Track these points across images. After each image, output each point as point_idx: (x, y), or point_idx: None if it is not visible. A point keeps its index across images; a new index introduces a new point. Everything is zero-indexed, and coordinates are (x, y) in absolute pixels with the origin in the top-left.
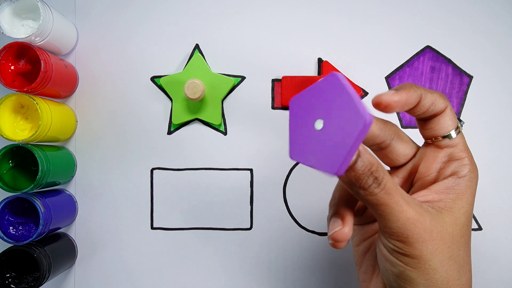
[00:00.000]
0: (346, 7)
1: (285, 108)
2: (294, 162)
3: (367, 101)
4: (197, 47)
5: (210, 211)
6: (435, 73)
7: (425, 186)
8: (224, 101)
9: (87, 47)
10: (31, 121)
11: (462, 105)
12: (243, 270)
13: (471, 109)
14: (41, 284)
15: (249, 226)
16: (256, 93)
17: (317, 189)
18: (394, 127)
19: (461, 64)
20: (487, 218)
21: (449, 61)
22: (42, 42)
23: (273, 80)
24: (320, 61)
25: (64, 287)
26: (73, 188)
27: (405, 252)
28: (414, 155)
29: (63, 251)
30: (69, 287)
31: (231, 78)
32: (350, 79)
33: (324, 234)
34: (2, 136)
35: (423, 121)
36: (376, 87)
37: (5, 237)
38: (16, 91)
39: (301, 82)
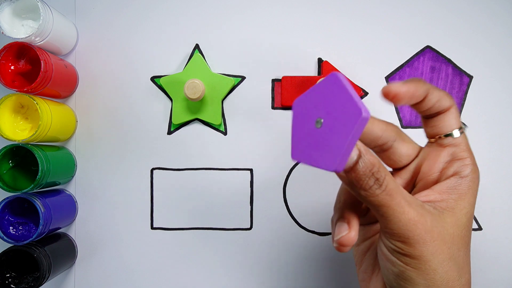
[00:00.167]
0: (346, 7)
1: (285, 108)
2: (294, 162)
3: (368, 102)
4: (197, 47)
5: (210, 211)
6: (435, 73)
7: (428, 186)
8: (224, 101)
9: (87, 47)
10: (31, 121)
11: (462, 105)
12: (243, 270)
13: (471, 109)
14: (41, 284)
15: (249, 226)
16: (256, 93)
17: (317, 189)
18: (396, 128)
19: (461, 64)
20: (487, 218)
21: (449, 61)
22: (42, 42)
23: (273, 80)
24: (320, 61)
25: (64, 287)
26: (73, 188)
27: (406, 253)
28: (416, 156)
29: (63, 251)
30: (69, 287)
31: (231, 78)
32: (350, 79)
33: (324, 234)
34: (2, 136)
35: (428, 118)
36: (376, 87)
37: (5, 237)
38: (16, 91)
39: (301, 82)
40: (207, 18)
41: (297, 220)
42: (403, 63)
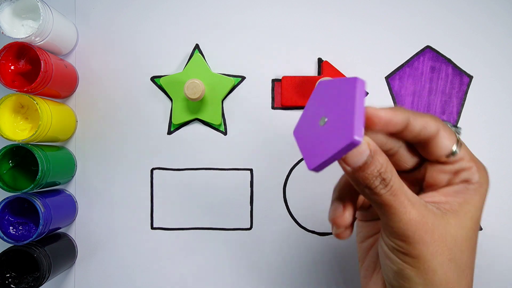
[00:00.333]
0: (346, 7)
1: (285, 108)
2: (294, 162)
3: (368, 102)
4: (197, 47)
5: (210, 211)
6: (435, 73)
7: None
8: (224, 101)
9: (87, 47)
10: (31, 121)
11: (462, 105)
12: (243, 270)
13: (471, 109)
14: (41, 284)
15: (249, 226)
16: (256, 93)
17: (317, 189)
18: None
19: (461, 64)
20: (487, 218)
21: (449, 61)
22: (42, 42)
23: (273, 80)
24: (320, 61)
25: (64, 287)
26: (73, 188)
27: (405, 251)
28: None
29: (63, 251)
30: (69, 287)
31: (231, 78)
32: None
33: (324, 234)
34: (2, 136)
35: (422, 146)
36: (376, 87)
37: (5, 237)
38: (16, 91)
39: (301, 82)
40: (207, 18)
41: (297, 220)
42: (403, 63)
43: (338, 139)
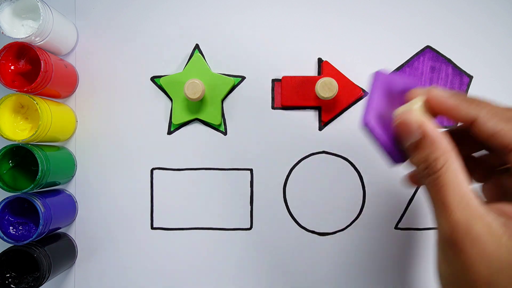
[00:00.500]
0: (346, 7)
1: (285, 108)
2: (294, 162)
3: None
4: (197, 47)
5: (210, 211)
6: (435, 73)
7: None
8: (224, 101)
9: (87, 47)
10: (31, 121)
11: None
12: (243, 270)
13: None
14: (41, 284)
15: (249, 226)
16: (256, 93)
17: (317, 189)
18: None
19: (461, 64)
20: None
21: (449, 61)
22: (42, 42)
23: (273, 80)
24: (320, 61)
25: (64, 287)
26: (73, 188)
27: (443, 246)
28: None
29: (63, 251)
30: (69, 287)
31: (231, 78)
32: (350, 79)
33: (324, 234)
34: (2, 136)
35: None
36: None
37: (5, 237)
38: (16, 91)
39: (301, 82)
40: (207, 18)
41: (297, 220)
42: (403, 63)
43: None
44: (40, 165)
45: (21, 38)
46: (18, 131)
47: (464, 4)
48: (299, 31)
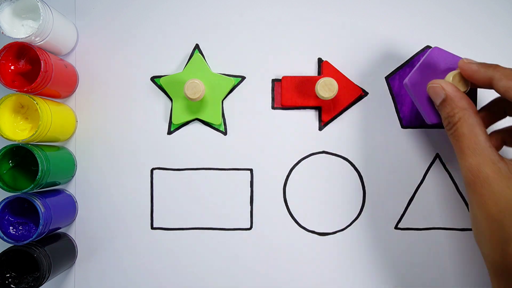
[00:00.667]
0: (346, 7)
1: (285, 108)
2: (294, 162)
3: (368, 102)
4: (197, 47)
5: (210, 211)
6: None
7: None
8: (224, 101)
9: (87, 47)
10: (31, 121)
11: None
12: (243, 270)
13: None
14: (41, 284)
15: (249, 226)
16: (256, 93)
17: (317, 189)
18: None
19: None
20: None
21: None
22: (42, 42)
23: (273, 80)
24: (320, 61)
25: (64, 287)
26: (73, 188)
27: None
28: None
29: (63, 251)
30: (69, 287)
31: (231, 78)
32: (350, 79)
33: (324, 234)
34: (2, 136)
35: None
36: (376, 87)
37: (5, 237)
38: (16, 91)
39: (301, 82)
40: (207, 18)
41: (297, 220)
42: (403, 63)
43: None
44: (40, 165)
45: (21, 38)
46: (18, 131)
47: (464, 4)
48: (299, 31)
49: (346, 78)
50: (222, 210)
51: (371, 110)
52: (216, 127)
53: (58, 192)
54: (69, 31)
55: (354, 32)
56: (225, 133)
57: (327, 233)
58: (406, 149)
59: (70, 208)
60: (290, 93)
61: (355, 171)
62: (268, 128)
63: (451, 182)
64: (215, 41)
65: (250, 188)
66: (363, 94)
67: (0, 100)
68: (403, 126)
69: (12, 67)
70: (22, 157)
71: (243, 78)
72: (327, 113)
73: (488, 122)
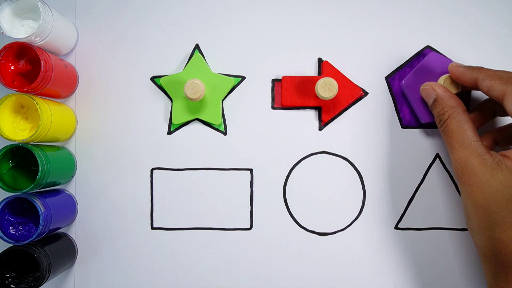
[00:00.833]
0: (346, 7)
1: (285, 108)
2: (294, 162)
3: (368, 101)
4: (197, 47)
5: (210, 211)
6: None
7: None
8: (224, 101)
9: (87, 47)
10: (31, 121)
11: None
12: (243, 270)
13: (471, 108)
14: (41, 284)
15: (249, 226)
16: (256, 93)
17: (317, 189)
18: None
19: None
20: None
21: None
22: (42, 42)
23: (273, 80)
24: (320, 61)
25: (64, 287)
26: (73, 188)
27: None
28: None
29: (63, 251)
30: (69, 287)
31: (231, 78)
32: (350, 79)
33: (324, 234)
34: (2, 136)
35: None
36: (376, 87)
37: (5, 237)
38: (16, 91)
39: (301, 82)
40: (207, 18)
41: (297, 220)
42: (403, 63)
43: None
44: (40, 165)
45: (21, 38)
46: (18, 131)
47: (464, 4)
48: (299, 31)
49: (346, 78)
50: (222, 210)
51: (371, 110)
52: (216, 127)
53: (58, 192)
54: (69, 31)
55: (354, 32)
56: (225, 133)
57: (327, 233)
58: (406, 149)
59: (70, 208)
60: (290, 93)
61: (355, 171)
62: (268, 128)
63: (451, 182)
64: (215, 41)
65: (250, 188)
66: (363, 94)
67: (0, 100)
68: (403, 126)
69: (12, 67)
70: (22, 157)
71: (243, 78)
72: (327, 113)
73: (479, 123)
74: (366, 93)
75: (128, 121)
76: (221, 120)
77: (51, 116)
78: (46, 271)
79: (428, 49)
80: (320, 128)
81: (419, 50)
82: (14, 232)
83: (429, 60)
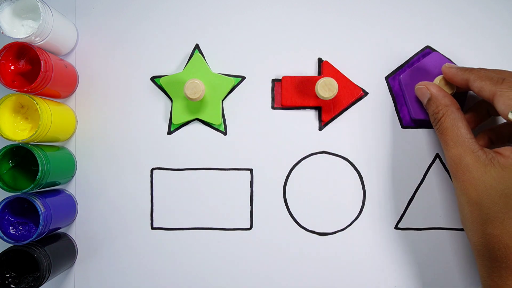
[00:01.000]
0: (346, 7)
1: (285, 108)
2: (294, 162)
3: (367, 102)
4: (197, 47)
5: (210, 211)
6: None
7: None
8: (224, 101)
9: (87, 47)
10: (31, 121)
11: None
12: (243, 270)
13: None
14: (41, 284)
15: (249, 226)
16: (256, 93)
17: (317, 189)
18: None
19: (461, 64)
20: None
21: (449, 61)
22: (42, 42)
23: (273, 80)
24: (320, 61)
25: (64, 287)
26: (73, 188)
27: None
28: None
29: (63, 251)
30: (69, 287)
31: (231, 78)
32: (350, 79)
33: (324, 234)
34: (2, 136)
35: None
36: (376, 87)
37: (5, 237)
38: (16, 91)
39: (301, 82)
40: (207, 18)
41: (297, 220)
42: (403, 63)
43: None
44: (40, 165)
45: (21, 38)
46: (18, 131)
47: (464, 4)
48: (299, 31)
49: (346, 78)
50: (222, 210)
51: (371, 110)
52: (216, 127)
53: (58, 192)
54: (69, 31)
55: (354, 32)
56: (225, 133)
57: (327, 233)
58: (406, 149)
59: (70, 208)
60: (290, 93)
61: (355, 171)
62: (268, 128)
63: (451, 182)
64: (215, 41)
65: (250, 188)
66: (363, 94)
67: (0, 100)
68: (403, 126)
69: (12, 67)
70: (22, 157)
71: (243, 78)
72: (327, 113)
73: (475, 123)
74: (366, 93)
75: (128, 121)
76: (221, 120)
77: (51, 116)
78: (46, 271)
79: (428, 49)
80: (320, 128)
81: (419, 50)
82: (14, 232)
83: (428, 60)
